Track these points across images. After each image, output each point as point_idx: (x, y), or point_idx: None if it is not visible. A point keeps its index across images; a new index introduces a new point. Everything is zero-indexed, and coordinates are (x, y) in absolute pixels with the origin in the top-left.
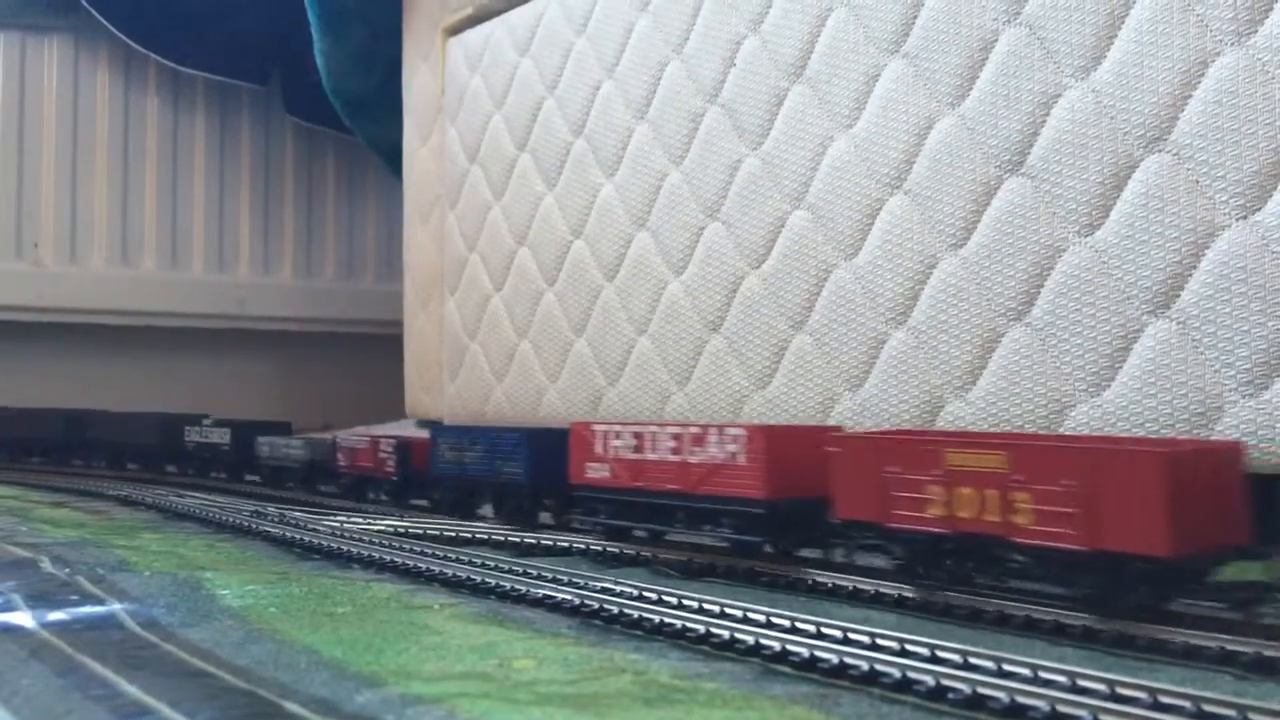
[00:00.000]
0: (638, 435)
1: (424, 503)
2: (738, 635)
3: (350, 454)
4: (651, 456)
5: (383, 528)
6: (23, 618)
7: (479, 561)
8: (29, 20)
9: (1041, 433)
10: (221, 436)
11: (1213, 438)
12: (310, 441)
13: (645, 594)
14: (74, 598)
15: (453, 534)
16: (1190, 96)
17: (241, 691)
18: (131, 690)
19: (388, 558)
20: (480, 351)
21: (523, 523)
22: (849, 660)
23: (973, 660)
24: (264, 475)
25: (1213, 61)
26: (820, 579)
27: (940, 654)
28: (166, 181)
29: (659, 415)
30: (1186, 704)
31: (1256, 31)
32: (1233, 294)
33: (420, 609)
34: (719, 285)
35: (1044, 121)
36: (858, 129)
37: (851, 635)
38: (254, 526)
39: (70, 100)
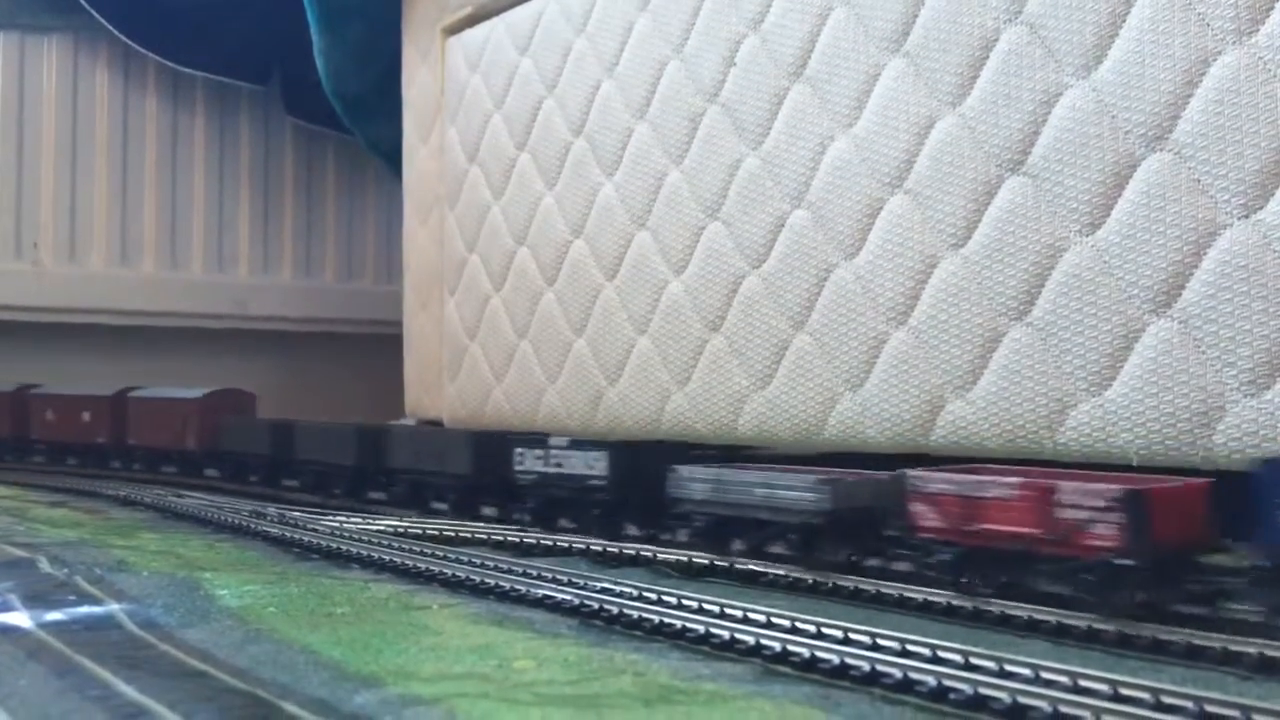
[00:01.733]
0: None
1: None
2: (738, 635)
3: (961, 508)
4: None
5: (382, 527)
6: (20, 618)
7: (478, 561)
8: (27, 20)
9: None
10: (590, 464)
11: (1215, 437)
12: (834, 481)
13: (645, 594)
14: (71, 598)
15: (452, 534)
16: (1192, 95)
17: (240, 692)
18: (129, 691)
19: (387, 558)
20: (480, 352)
21: None
22: (850, 661)
23: (974, 661)
24: (697, 534)
25: (1214, 60)
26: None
27: (941, 654)
28: (166, 181)
29: (659, 416)
30: (1189, 704)
31: (1258, 30)
32: (1234, 293)
33: (419, 609)
34: (719, 285)
35: (1045, 120)
36: (858, 128)
37: (852, 636)
38: (253, 526)
39: (69, 100)
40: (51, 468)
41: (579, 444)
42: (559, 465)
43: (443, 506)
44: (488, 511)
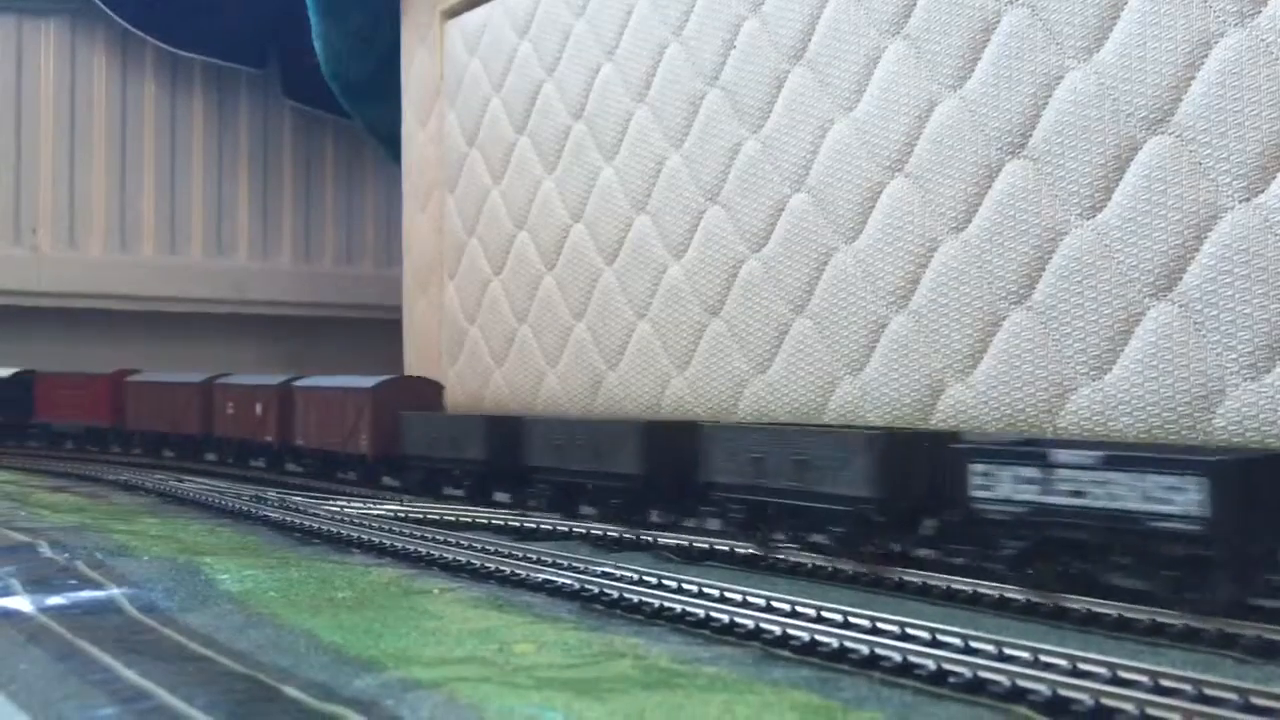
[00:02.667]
0: None
1: None
2: (737, 619)
3: None
4: None
5: (383, 512)
6: (21, 602)
7: (479, 546)
8: (25, 3)
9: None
10: (1158, 495)
11: (1215, 421)
12: None
13: (645, 578)
14: (72, 582)
15: (453, 519)
16: (1193, 78)
17: (240, 675)
18: (130, 675)
19: (388, 542)
20: (480, 336)
21: None
22: (849, 644)
23: (974, 645)
24: None
25: (1216, 42)
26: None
27: (941, 638)
28: (164, 166)
29: (659, 400)
30: (1188, 687)
31: (1260, 12)
32: (1235, 277)
33: (420, 594)
34: (719, 269)
35: (1046, 103)
36: (858, 111)
37: (852, 619)
38: (254, 511)
39: (67, 84)
40: (236, 471)
41: (1128, 460)
42: (1077, 494)
43: (806, 539)
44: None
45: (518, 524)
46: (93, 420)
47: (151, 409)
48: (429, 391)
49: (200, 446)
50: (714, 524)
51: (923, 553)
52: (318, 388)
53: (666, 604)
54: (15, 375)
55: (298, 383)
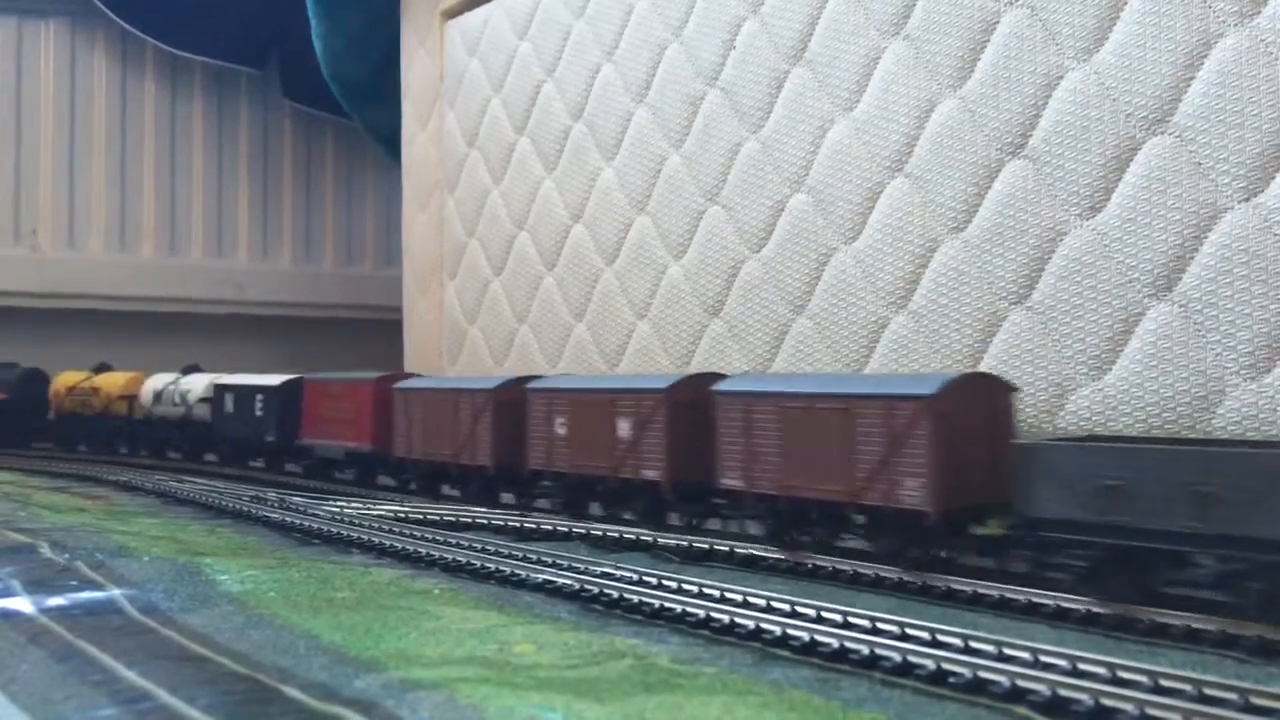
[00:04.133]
0: None
1: None
2: (738, 620)
3: None
4: None
5: (382, 513)
6: (21, 603)
7: (479, 546)
8: (25, 4)
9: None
10: None
11: (1214, 420)
12: None
13: (645, 579)
14: (73, 583)
15: (452, 519)
16: (1193, 78)
17: (240, 676)
18: (130, 675)
19: (387, 543)
20: (480, 336)
21: None
22: (849, 645)
23: (973, 644)
24: None
25: (1216, 43)
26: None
27: (941, 638)
28: (165, 166)
29: None
30: (1188, 687)
31: (1260, 13)
32: (1235, 276)
33: (420, 594)
34: (719, 269)
35: (1046, 103)
36: (858, 111)
37: (852, 620)
38: (254, 512)
39: (68, 85)
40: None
41: None
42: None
43: None
44: None
45: (518, 524)
46: (353, 442)
47: (423, 428)
48: (1000, 398)
49: (494, 484)
50: None
51: None
52: (771, 394)
53: (667, 604)
54: (287, 383)
55: (721, 386)
